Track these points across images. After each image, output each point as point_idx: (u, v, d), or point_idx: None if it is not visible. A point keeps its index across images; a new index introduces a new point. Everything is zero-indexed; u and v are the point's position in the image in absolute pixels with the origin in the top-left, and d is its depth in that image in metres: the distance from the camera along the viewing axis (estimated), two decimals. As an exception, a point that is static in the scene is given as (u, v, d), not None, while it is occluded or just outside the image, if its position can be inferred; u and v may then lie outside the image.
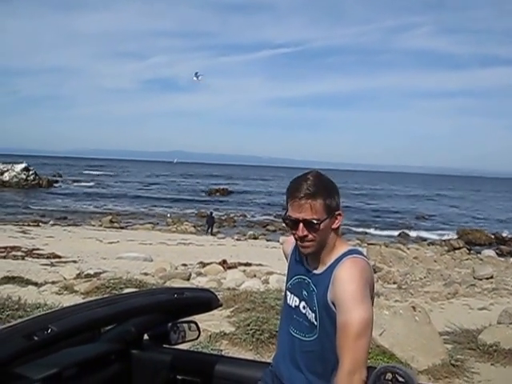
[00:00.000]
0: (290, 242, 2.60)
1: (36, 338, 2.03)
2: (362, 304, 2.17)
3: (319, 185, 2.27)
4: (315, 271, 2.38)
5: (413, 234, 41.61)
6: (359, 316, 2.15)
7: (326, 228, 2.30)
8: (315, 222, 2.27)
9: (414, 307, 6.77)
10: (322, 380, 2.31)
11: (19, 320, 2.31)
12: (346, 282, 2.21)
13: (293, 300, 2.46)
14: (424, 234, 41.52)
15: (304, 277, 2.42)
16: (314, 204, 2.26)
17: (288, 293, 2.52)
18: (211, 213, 38.92)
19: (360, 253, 2.37)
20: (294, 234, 2.35)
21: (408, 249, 27.40)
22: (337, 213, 2.33)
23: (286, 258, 2.62)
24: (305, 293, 2.38)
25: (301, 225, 2.28)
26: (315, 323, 2.32)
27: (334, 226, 2.33)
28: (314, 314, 2.33)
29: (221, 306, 3.26)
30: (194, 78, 45.53)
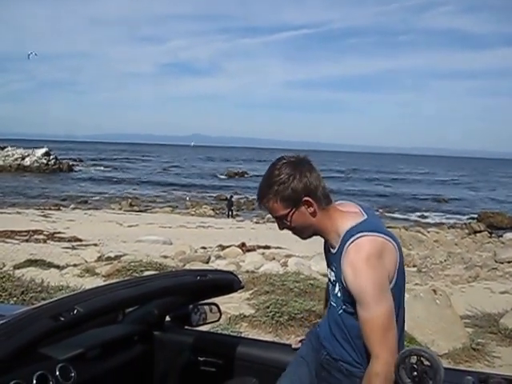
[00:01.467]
0: None
1: (62, 319, 2.05)
2: (378, 296, 2.10)
3: (271, 183, 2.22)
4: (332, 250, 2.33)
5: (432, 217, 41.36)
6: (380, 311, 2.10)
7: (298, 218, 2.26)
8: (281, 218, 2.27)
9: (434, 290, 6.73)
10: (356, 351, 2.32)
11: (46, 301, 2.34)
12: (356, 278, 2.13)
13: (330, 274, 2.43)
14: (444, 217, 41.24)
15: (329, 253, 2.38)
16: (270, 205, 2.26)
17: (327, 267, 2.50)
18: (231, 196, 39.05)
19: (366, 228, 2.21)
20: None
21: (428, 232, 27.20)
22: (303, 199, 2.21)
23: None
24: (334, 268, 2.36)
25: (277, 222, 2.32)
26: (341, 300, 2.31)
27: (310, 211, 2.24)
28: (340, 292, 2.31)
29: (243, 288, 3.27)
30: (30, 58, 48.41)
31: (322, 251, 2.49)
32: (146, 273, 9.23)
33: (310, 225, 2.28)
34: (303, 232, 2.34)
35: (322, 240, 2.42)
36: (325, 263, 2.55)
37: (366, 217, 2.29)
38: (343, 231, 2.22)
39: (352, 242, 2.16)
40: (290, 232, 2.35)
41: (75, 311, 2.11)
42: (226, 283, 3.09)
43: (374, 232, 2.18)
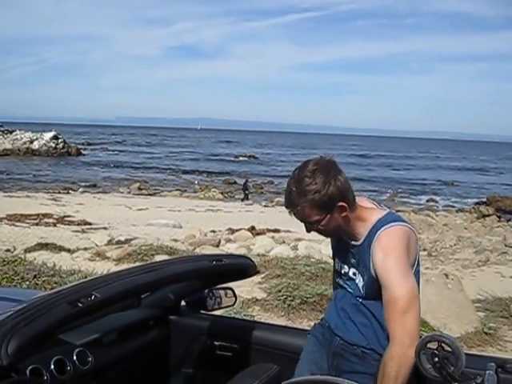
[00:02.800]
0: None
1: (80, 305, 2.04)
2: (404, 278, 2.17)
3: (305, 191, 2.20)
4: (354, 242, 2.38)
5: (441, 200, 41.23)
6: (403, 291, 2.16)
7: (331, 221, 2.28)
8: (313, 224, 2.29)
9: (446, 274, 6.74)
10: (374, 335, 2.36)
11: (63, 287, 2.34)
12: (385, 260, 2.21)
13: (342, 268, 2.49)
14: (453, 201, 41.10)
15: (347, 247, 2.42)
16: (304, 213, 2.26)
17: (337, 260, 2.55)
18: (246, 180, 39.12)
19: (394, 218, 2.33)
20: None
21: (437, 216, 27.14)
22: (338, 204, 2.24)
23: None
24: (353, 261, 2.40)
25: (304, 225, 2.34)
26: (362, 291, 2.37)
27: (343, 215, 2.28)
28: (362, 283, 2.36)
29: (258, 272, 3.28)
30: None
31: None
32: (157, 257, 9.27)
33: (341, 226, 2.32)
34: (332, 234, 2.41)
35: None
36: None
37: (387, 210, 2.39)
38: (371, 223, 2.30)
39: (384, 230, 2.25)
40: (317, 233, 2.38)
41: (93, 297, 2.11)
42: (242, 268, 3.10)
43: (401, 222, 2.30)
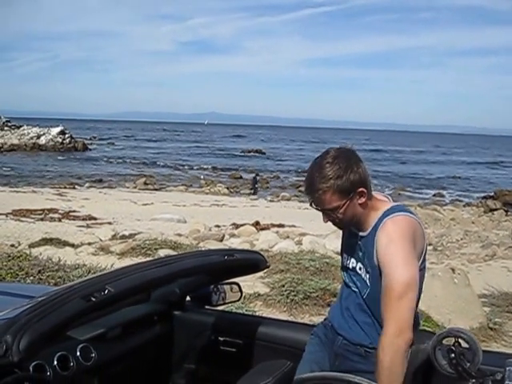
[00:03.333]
0: None
1: (94, 299, 2.05)
2: (404, 265, 2.17)
3: (327, 176, 2.24)
4: (361, 233, 2.39)
5: (449, 195, 41.07)
6: (400, 277, 2.15)
7: (349, 208, 2.30)
8: (333, 210, 2.30)
9: (452, 269, 6.70)
10: (377, 332, 2.33)
11: (76, 281, 2.34)
12: (388, 245, 2.22)
13: (350, 262, 2.49)
14: (460, 195, 40.93)
15: (355, 239, 2.43)
16: (325, 198, 2.27)
17: (345, 255, 2.56)
18: (256, 174, 39.10)
19: (401, 209, 2.36)
20: None
21: (444, 210, 27.00)
22: (358, 190, 2.28)
23: None
24: (360, 254, 2.41)
25: (322, 214, 2.35)
26: (368, 283, 2.37)
27: (360, 201, 2.31)
28: (368, 276, 2.37)
29: (268, 267, 3.29)
30: None
31: (337, 231, 2.56)
32: (161, 251, 9.26)
33: (356, 215, 2.34)
34: (347, 223, 2.39)
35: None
36: (339, 242, 2.63)
37: (397, 203, 2.44)
38: (381, 213, 2.33)
39: (390, 217, 2.28)
40: (331, 223, 2.39)
41: (106, 291, 2.11)
42: (253, 262, 3.11)
43: (409, 212, 2.33)
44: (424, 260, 2.35)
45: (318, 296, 6.79)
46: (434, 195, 40.19)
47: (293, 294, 6.84)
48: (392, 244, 2.21)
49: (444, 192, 42.19)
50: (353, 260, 2.47)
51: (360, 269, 2.42)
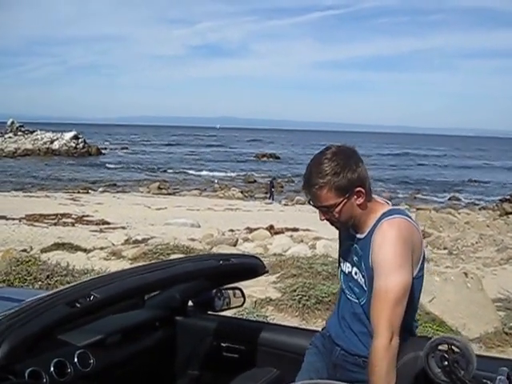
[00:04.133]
0: None
1: (78, 305, 2.02)
2: (399, 268, 2.12)
3: (324, 172, 2.18)
4: (359, 235, 2.33)
5: (463, 198, 40.81)
6: (396, 281, 2.11)
7: (347, 207, 2.24)
8: (329, 208, 2.24)
9: (465, 273, 6.60)
10: (368, 338, 2.26)
11: (63, 287, 2.30)
12: (382, 246, 2.17)
13: (346, 266, 2.43)
14: (475, 199, 40.65)
15: (351, 242, 2.37)
16: (321, 194, 2.22)
17: (341, 259, 2.49)
18: (273, 178, 39.11)
19: (399, 212, 2.30)
20: None
21: (459, 213, 26.80)
22: (356, 190, 2.22)
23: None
24: (355, 258, 2.35)
25: (318, 210, 2.29)
26: (365, 288, 2.30)
27: (358, 202, 2.25)
28: (363, 280, 2.30)
29: (267, 272, 3.21)
30: None
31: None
32: (173, 256, 9.22)
33: (353, 216, 2.28)
34: (344, 223, 2.32)
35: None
36: None
37: (391, 205, 2.37)
38: (378, 215, 2.26)
39: (386, 219, 2.22)
40: (329, 222, 2.34)
41: (92, 297, 2.07)
42: (250, 268, 3.04)
43: (406, 216, 2.27)
44: (422, 268, 2.28)
45: (330, 301, 6.70)
46: (450, 199, 40.01)
47: (305, 298, 6.77)
48: (387, 245, 2.16)
49: (460, 195, 41.93)
50: (348, 264, 2.41)
51: (356, 273, 2.35)
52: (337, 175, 2.18)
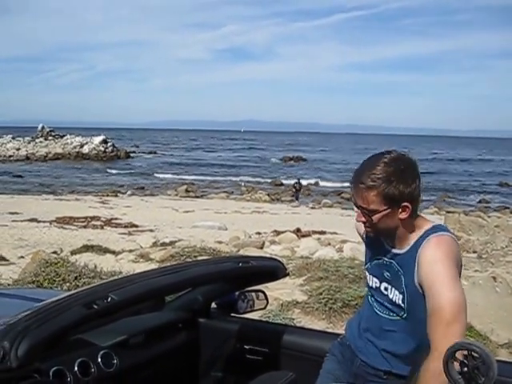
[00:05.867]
0: None
1: (96, 307, 2.02)
2: (453, 286, 2.03)
3: (378, 174, 2.09)
4: (397, 251, 2.24)
5: (494, 201, 40.23)
6: (451, 299, 2.01)
7: (387, 218, 2.14)
8: (370, 212, 2.14)
9: (494, 277, 6.50)
10: (398, 359, 2.24)
11: (80, 288, 2.31)
12: (434, 263, 2.07)
13: (372, 281, 2.35)
14: (506, 202, 40.05)
15: (384, 257, 2.28)
16: (367, 195, 2.12)
17: (367, 273, 2.40)
18: (299, 179, 39.08)
19: (444, 229, 2.21)
20: None
21: (489, 217, 26.40)
22: (403, 204, 2.11)
23: (362, 238, 2.49)
24: (387, 274, 2.26)
25: (359, 210, 2.19)
26: (402, 305, 2.22)
27: (401, 216, 2.14)
28: (401, 296, 2.22)
29: (287, 275, 3.18)
30: None
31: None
32: (200, 258, 9.26)
33: (392, 228, 2.19)
34: (380, 232, 2.24)
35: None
36: None
37: (438, 223, 2.27)
38: (422, 232, 2.18)
39: (434, 236, 2.13)
40: (363, 225, 2.27)
41: (109, 299, 2.08)
42: (270, 270, 3.02)
43: (451, 233, 2.19)
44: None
45: (356, 304, 6.65)
46: (480, 201, 39.48)
47: (331, 301, 6.74)
48: (440, 262, 2.06)
49: (489, 198, 41.36)
50: (375, 279, 2.32)
51: (386, 289, 2.27)
52: (389, 182, 2.08)
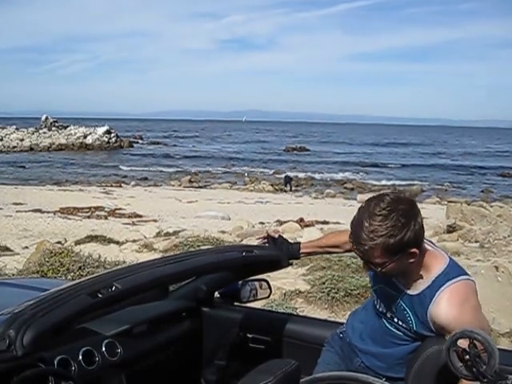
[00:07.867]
0: None
1: (100, 296, 2.04)
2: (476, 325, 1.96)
3: (377, 232, 1.99)
4: (407, 291, 2.19)
5: (497, 191, 40.17)
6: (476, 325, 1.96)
7: (396, 266, 2.07)
8: (377, 266, 2.09)
9: (496, 267, 6.52)
10: (400, 366, 2.28)
11: (85, 278, 2.33)
12: (461, 316, 2.03)
13: (380, 305, 2.34)
14: (509, 191, 39.98)
15: (393, 291, 2.24)
16: (371, 254, 2.05)
17: (374, 294, 2.38)
18: (288, 175, 38.98)
19: (458, 271, 2.14)
20: None
21: (491, 206, 26.37)
22: (410, 251, 2.03)
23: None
24: (394, 309, 2.25)
25: (363, 263, 2.16)
26: (409, 334, 2.23)
27: (410, 261, 2.07)
28: (408, 326, 2.22)
29: (290, 265, 3.18)
30: None
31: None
32: (202, 247, 9.29)
33: (403, 271, 2.14)
34: (391, 276, 2.19)
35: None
36: None
37: (446, 257, 2.18)
38: (435, 273, 2.12)
39: (447, 288, 2.08)
40: None
41: (113, 288, 2.09)
42: (273, 259, 3.01)
43: (468, 276, 2.14)
44: None
45: (359, 293, 6.70)
46: (483, 191, 39.41)
47: (333, 291, 6.77)
48: (466, 313, 2.04)
49: (492, 188, 41.29)
50: (383, 306, 2.30)
51: (392, 318, 2.27)
52: (393, 237, 1.98)
